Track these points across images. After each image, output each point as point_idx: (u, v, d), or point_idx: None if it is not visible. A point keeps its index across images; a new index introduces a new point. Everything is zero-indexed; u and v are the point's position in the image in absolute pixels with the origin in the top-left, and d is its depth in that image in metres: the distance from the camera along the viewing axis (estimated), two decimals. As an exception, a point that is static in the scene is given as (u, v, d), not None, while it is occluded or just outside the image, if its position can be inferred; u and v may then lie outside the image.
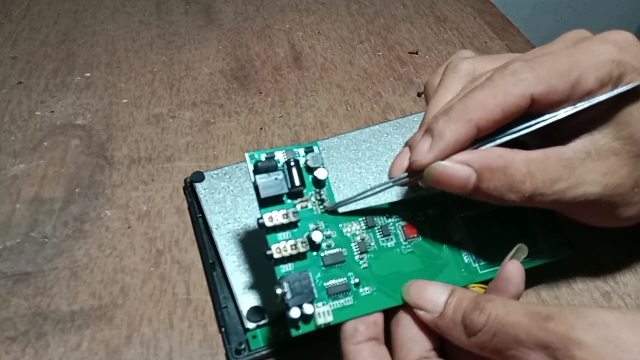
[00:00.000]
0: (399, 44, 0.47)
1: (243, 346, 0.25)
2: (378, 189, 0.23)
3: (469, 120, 0.21)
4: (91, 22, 0.47)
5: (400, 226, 0.25)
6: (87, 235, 0.30)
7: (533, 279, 0.29)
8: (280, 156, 0.23)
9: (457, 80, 0.25)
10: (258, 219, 0.22)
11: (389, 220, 0.25)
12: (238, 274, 0.27)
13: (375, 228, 0.24)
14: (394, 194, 0.30)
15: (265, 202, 0.22)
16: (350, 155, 0.32)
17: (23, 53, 0.43)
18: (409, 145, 0.24)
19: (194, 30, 0.47)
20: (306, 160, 0.23)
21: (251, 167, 0.22)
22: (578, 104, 0.22)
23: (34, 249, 0.30)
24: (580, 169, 0.22)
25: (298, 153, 0.23)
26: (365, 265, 0.23)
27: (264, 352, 0.25)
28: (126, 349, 0.26)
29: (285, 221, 0.22)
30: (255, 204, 0.30)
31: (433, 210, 0.26)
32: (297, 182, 0.22)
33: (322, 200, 0.23)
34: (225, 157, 0.36)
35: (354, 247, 0.23)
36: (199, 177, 0.31)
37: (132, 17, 0.49)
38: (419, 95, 0.42)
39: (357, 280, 0.22)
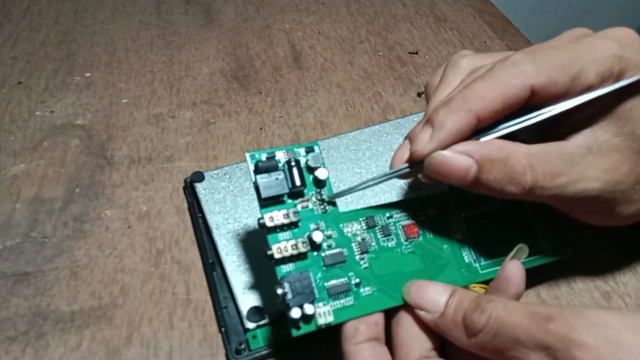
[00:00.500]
0: (399, 44, 0.47)
1: (243, 346, 0.25)
2: (379, 180, 0.23)
3: (470, 110, 0.21)
4: (91, 22, 0.47)
5: (400, 226, 0.25)
6: (87, 235, 0.30)
7: (533, 279, 0.29)
8: (281, 156, 0.23)
9: (457, 76, 0.25)
10: (259, 219, 0.22)
11: (390, 220, 0.25)
12: (238, 274, 0.27)
13: (376, 228, 0.24)
14: (394, 194, 0.30)
15: (266, 202, 0.22)
16: (350, 155, 0.32)
17: (23, 53, 0.43)
18: (409, 137, 0.23)
19: (194, 30, 0.47)
20: (307, 160, 0.23)
21: (252, 167, 0.22)
22: (578, 98, 0.22)
23: (34, 249, 0.30)
24: (581, 164, 0.22)
25: (299, 153, 0.23)
26: (366, 265, 0.23)
27: (264, 352, 0.25)
28: (126, 349, 0.26)
29: (285, 221, 0.22)
30: (256, 204, 0.30)
31: (433, 210, 0.26)
32: (297, 182, 0.22)
33: (322, 201, 0.23)
34: (225, 157, 0.36)
35: (354, 247, 0.23)
36: (199, 177, 0.31)
37: (132, 17, 0.49)
38: (419, 95, 0.42)
39: (357, 280, 0.22)
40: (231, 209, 0.29)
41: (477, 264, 0.25)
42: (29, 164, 0.34)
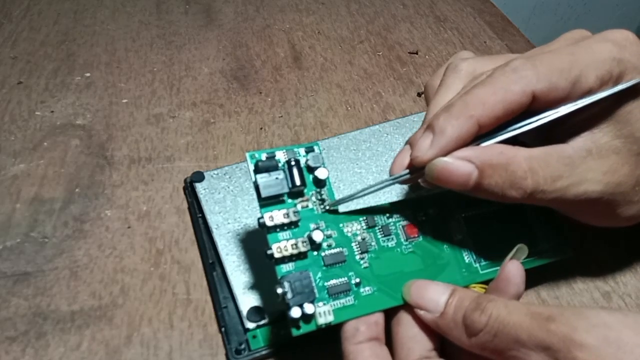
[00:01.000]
0: (399, 44, 0.47)
1: (243, 346, 0.25)
2: (379, 187, 0.23)
3: (470, 116, 0.21)
4: (91, 22, 0.47)
5: (401, 226, 0.25)
6: (87, 235, 0.30)
7: (533, 279, 0.29)
8: (281, 156, 0.23)
9: (457, 80, 0.25)
10: (259, 219, 0.22)
11: (390, 220, 0.25)
12: (238, 274, 0.27)
13: (376, 228, 0.24)
14: (394, 194, 0.30)
15: (266, 202, 0.22)
16: (350, 155, 0.32)
17: (23, 53, 0.43)
18: (409, 142, 0.23)
19: (194, 30, 0.47)
20: (307, 160, 0.23)
21: (252, 167, 0.22)
22: (578, 101, 0.22)
23: (34, 249, 0.30)
24: (581, 167, 0.22)
25: (299, 153, 0.23)
26: (366, 265, 0.23)
27: (264, 352, 0.25)
28: (126, 349, 0.26)
29: (285, 221, 0.22)
30: (256, 203, 0.30)
31: (434, 210, 0.26)
32: (297, 182, 0.22)
33: (322, 200, 0.23)
34: (225, 157, 0.36)
35: (354, 247, 0.23)
36: (199, 177, 0.31)
37: (132, 17, 0.49)
38: (419, 95, 0.42)
39: (357, 280, 0.22)
40: (231, 209, 0.29)
41: (477, 264, 0.25)
42: (29, 164, 0.34)
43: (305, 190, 0.23)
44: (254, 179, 0.22)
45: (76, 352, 0.26)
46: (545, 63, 0.22)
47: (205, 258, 0.29)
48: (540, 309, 0.18)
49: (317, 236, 0.22)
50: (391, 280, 0.23)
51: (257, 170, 0.22)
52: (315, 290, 0.21)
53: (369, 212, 0.24)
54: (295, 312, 0.21)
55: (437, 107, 0.24)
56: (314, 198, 0.23)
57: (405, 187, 0.29)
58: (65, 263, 0.29)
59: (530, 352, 0.17)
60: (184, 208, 0.32)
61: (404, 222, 0.25)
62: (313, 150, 0.23)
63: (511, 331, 0.18)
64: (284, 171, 0.22)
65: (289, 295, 0.21)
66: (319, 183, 0.23)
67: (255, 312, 0.26)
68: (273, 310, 0.26)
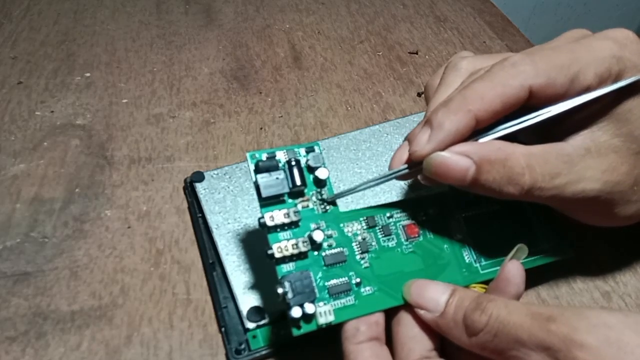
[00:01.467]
0: (399, 44, 0.47)
1: (243, 346, 0.25)
2: (378, 181, 0.23)
3: (468, 111, 0.21)
4: (91, 22, 0.47)
5: (401, 226, 0.25)
6: (87, 235, 0.30)
7: (533, 279, 0.29)
8: (281, 156, 0.23)
9: (457, 78, 0.25)
10: (259, 219, 0.22)
11: (390, 220, 0.25)
12: (238, 274, 0.27)
13: (377, 228, 0.24)
14: (394, 194, 0.30)
15: (267, 202, 0.22)
16: (350, 155, 0.32)
17: (23, 53, 0.43)
18: (408, 138, 0.24)
19: (194, 30, 0.47)
20: (307, 160, 0.23)
21: (252, 167, 0.22)
22: (577, 98, 0.22)
23: (34, 249, 0.30)
24: (579, 165, 0.22)
25: (299, 153, 0.23)
26: (367, 264, 0.23)
27: (264, 352, 0.25)
28: (126, 349, 0.26)
29: (286, 220, 0.22)
30: (256, 204, 0.30)
31: (434, 210, 0.26)
32: (298, 182, 0.22)
33: (323, 200, 0.23)
34: (225, 157, 0.36)
35: (355, 247, 0.23)
36: (199, 177, 0.31)
37: (132, 17, 0.49)
38: (419, 95, 0.42)
39: (358, 279, 0.22)
40: (231, 209, 0.29)
41: (478, 264, 0.25)
42: (29, 164, 0.34)
43: (306, 190, 0.23)
44: (254, 179, 0.22)
45: (76, 352, 0.25)
46: (544, 59, 0.22)
47: (205, 258, 0.29)
48: (540, 309, 0.18)
49: (318, 236, 0.22)
50: (392, 280, 0.23)
51: (258, 170, 0.22)
52: (316, 290, 0.21)
53: (369, 212, 0.24)
54: (296, 312, 0.20)
55: (437, 105, 0.24)
56: (314, 198, 0.23)
57: (406, 187, 0.29)
58: (65, 263, 0.29)
59: (530, 352, 0.17)
60: (184, 208, 0.32)
61: (405, 222, 0.25)
62: (313, 150, 0.23)
63: (511, 331, 0.18)
64: (285, 171, 0.22)
65: (290, 295, 0.21)
66: (320, 183, 0.23)
67: (255, 312, 0.26)
68: (273, 310, 0.26)
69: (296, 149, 0.23)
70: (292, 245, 0.22)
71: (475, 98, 0.21)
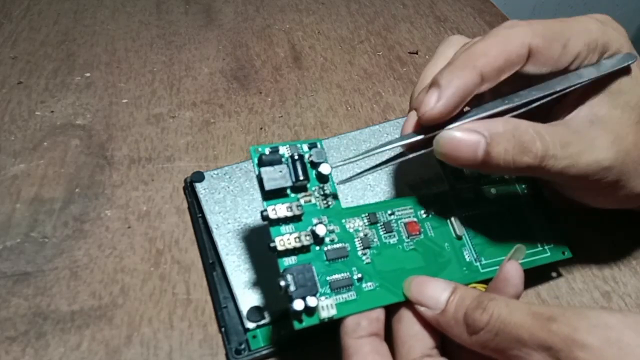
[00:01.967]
0: (399, 44, 0.47)
1: (243, 346, 0.25)
2: (385, 148, 0.23)
3: (474, 67, 0.22)
4: (91, 22, 0.47)
5: (402, 223, 0.25)
6: (87, 235, 0.30)
7: (533, 279, 0.29)
8: (284, 151, 0.23)
9: (450, 49, 0.25)
10: (262, 211, 0.22)
11: (391, 217, 0.25)
12: (238, 274, 0.27)
13: (378, 224, 0.24)
14: (395, 194, 0.30)
15: (269, 195, 0.22)
16: (350, 155, 0.32)
17: (23, 53, 0.43)
18: (414, 105, 0.23)
19: (194, 30, 0.47)
20: (310, 156, 0.23)
21: (255, 160, 0.22)
22: (572, 78, 0.23)
23: (34, 249, 0.30)
24: (588, 136, 0.23)
25: (302, 148, 0.23)
26: (368, 260, 0.23)
27: (264, 352, 0.25)
28: (126, 349, 0.26)
29: (289, 214, 0.22)
30: (256, 203, 0.30)
31: (434, 208, 0.26)
32: (301, 176, 0.22)
33: (325, 196, 0.23)
34: (225, 157, 0.36)
35: (357, 243, 0.23)
36: (199, 177, 0.31)
37: (132, 17, 0.49)
38: (419, 95, 0.42)
39: (359, 275, 0.22)
40: (231, 209, 0.29)
41: (478, 263, 0.25)
42: (29, 164, 0.34)
43: (309, 185, 0.23)
44: (257, 172, 0.22)
45: (76, 352, 0.25)
46: (539, 24, 0.23)
47: (205, 258, 0.29)
48: (541, 309, 0.18)
49: (321, 230, 0.22)
50: (393, 277, 0.23)
51: (261, 163, 0.22)
52: (318, 284, 0.21)
53: (371, 208, 0.24)
54: (298, 305, 0.20)
55: (429, 73, 0.25)
56: (316, 193, 0.23)
57: (406, 186, 0.29)
58: (65, 263, 0.29)
59: (531, 352, 0.17)
60: (184, 208, 0.32)
61: (406, 220, 0.25)
62: (316, 146, 0.23)
63: (512, 330, 0.18)
64: (288, 165, 0.22)
65: (292, 288, 0.21)
66: (322, 178, 0.23)
67: (255, 312, 0.26)
68: (273, 309, 0.26)
69: (299, 145, 0.23)
70: (295, 238, 0.21)
71: (479, 54, 0.22)
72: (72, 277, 0.28)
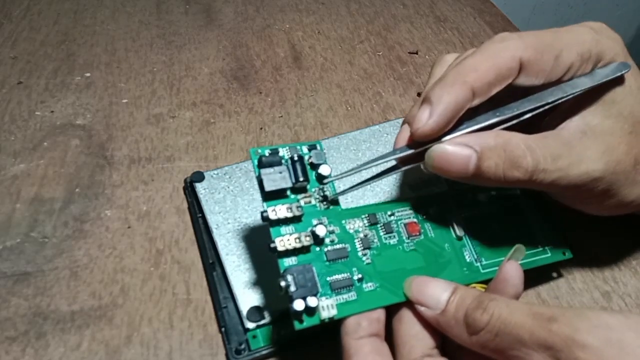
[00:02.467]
0: (399, 44, 0.47)
1: (243, 346, 0.25)
2: (378, 162, 0.23)
3: (464, 82, 0.22)
4: (91, 22, 0.47)
5: (402, 224, 0.25)
6: (87, 235, 0.30)
7: (533, 279, 0.29)
8: (284, 152, 0.23)
9: (444, 69, 0.25)
10: (262, 212, 0.22)
11: (392, 217, 0.25)
12: (238, 274, 0.27)
13: (378, 225, 0.24)
14: (395, 195, 0.30)
15: (269, 196, 0.22)
16: (350, 155, 0.32)
17: (23, 53, 0.43)
18: (407, 120, 0.24)
19: (194, 30, 0.47)
20: (310, 157, 0.23)
21: (255, 162, 0.22)
22: (565, 88, 0.23)
23: (34, 249, 0.30)
24: (578, 147, 0.23)
25: (301, 150, 0.23)
26: (369, 261, 0.23)
27: (264, 352, 0.25)
28: (126, 349, 0.26)
29: (289, 215, 0.22)
30: (256, 203, 0.30)
31: (434, 209, 0.26)
32: (300, 177, 0.22)
33: (325, 197, 0.23)
34: (225, 157, 0.36)
35: (357, 243, 0.23)
36: (199, 177, 0.31)
37: (132, 17, 0.49)
38: (418, 95, 0.42)
39: (360, 275, 0.22)
40: (231, 209, 0.29)
41: (479, 263, 0.25)
42: (29, 164, 0.34)
43: (308, 187, 0.23)
44: (257, 174, 0.22)
45: (76, 352, 0.25)
46: (530, 36, 0.23)
47: (205, 258, 0.29)
48: (541, 309, 0.18)
49: (321, 231, 0.22)
50: (393, 277, 0.23)
51: (261, 164, 0.22)
52: (319, 284, 0.21)
53: (371, 209, 0.24)
54: (299, 305, 0.20)
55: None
56: (316, 194, 0.23)
57: (406, 186, 0.29)
58: (65, 263, 0.29)
59: (531, 352, 0.17)
60: (184, 208, 0.32)
61: (406, 221, 0.25)
62: (316, 148, 0.23)
63: (513, 331, 0.18)
64: (287, 166, 0.22)
65: (292, 288, 0.21)
66: (322, 180, 0.23)
67: (255, 312, 0.26)
68: (273, 309, 0.26)
69: (299, 147, 0.23)
70: (295, 239, 0.21)
71: (470, 70, 0.22)
72: (72, 277, 0.28)
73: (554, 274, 0.30)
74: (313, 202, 0.23)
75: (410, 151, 0.23)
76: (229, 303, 0.27)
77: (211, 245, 0.29)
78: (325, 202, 0.23)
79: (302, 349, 0.26)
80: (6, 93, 0.39)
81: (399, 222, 0.25)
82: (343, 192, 0.24)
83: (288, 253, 0.22)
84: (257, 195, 0.29)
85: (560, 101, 0.23)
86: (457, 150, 0.22)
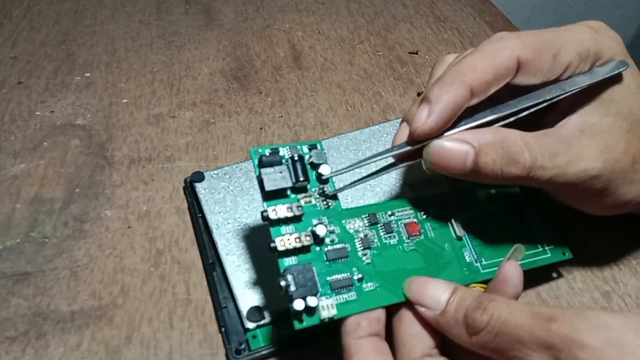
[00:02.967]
0: (399, 44, 0.47)
1: (243, 346, 0.25)
2: (376, 158, 0.23)
3: (463, 82, 0.22)
4: (91, 22, 0.47)
5: (402, 224, 0.25)
6: (87, 235, 0.30)
7: (533, 279, 0.29)
8: (285, 152, 0.23)
9: (444, 69, 0.26)
10: (262, 212, 0.22)
11: (391, 218, 0.25)
12: (238, 274, 0.27)
13: (378, 225, 0.24)
14: (395, 195, 0.30)
15: (270, 196, 0.22)
16: (350, 155, 0.32)
17: (23, 53, 0.43)
18: (406, 119, 0.24)
19: (194, 30, 0.47)
20: (310, 157, 0.23)
21: (256, 161, 0.22)
22: (563, 86, 0.23)
23: (34, 249, 0.30)
24: (577, 145, 0.23)
25: (302, 149, 0.23)
26: (369, 261, 0.23)
27: (264, 352, 0.25)
28: (126, 349, 0.26)
29: (289, 214, 0.22)
30: (256, 203, 0.30)
31: (434, 209, 0.26)
32: (301, 177, 0.22)
33: (325, 197, 0.23)
34: (225, 157, 0.36)
35: (357, 243, 0.23)
36: (199, 177, 0.31)
37: (132, 17, 0.49)
38: (418, 95, 0.42)
39: (360, 275, 0.22)
40: (231, 209, 0.29)
41: (479, 264, 0.25)
42: (29, 164, 0.34)
43: (309, 186, 0.23)
44: (258, 173, 0.22)
45: (76, 352, 0.25)
46: (529, 36, 0.23)
47: (205, 258, 0.29)
48: (541, 310, 0.18)
49: (321, 230, 0.22)
50: (393, 277, 0.23)
51: (261, 164, 0.22)
52: (319, 284, 0.21)
53: (371, 209, 0.24)
54: (299, 305, 0.20)
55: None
56: (316, 194, 0.23)
57: (406, 186, 0.29)
58: (65, 263, 0.29)
59: (531, 352, 0.17)
60: (184, 208, 0.32)
61: (406, 221, 0.25)
62: (316, 148, 0.23)
63: (512, 331, 0.18)
64: (288, 166, 0.22)
65: (292, 288, 0.21)
66: (322, 179, 0.23)
67: (255, 312, 0.26)
68: (273, 309, 0.26)
69: (299, 146, 0.23)
70: (295, 238, 0.21)
71: (468, 69, 0.22)
72: (72, 277, 0.28)
73: (554, 274, 0.30)
74: (313, 201, 0.23)
75: (409, 147, 0.23)
76: (229, 303, 0.27)
77: (211, 245, 0.29)
78: (323, 199, 0.23)
79: (302, 349, 0.26)
80: (6, 93, 0.39)
81: (399, 222, 0.25)
82: (342, 189, 0.24)
83: (288, 253, 0.22)
84: (257, 195, 0.29)
85: (558, 98, 0.23)
86: (454, 146, 0.22)
